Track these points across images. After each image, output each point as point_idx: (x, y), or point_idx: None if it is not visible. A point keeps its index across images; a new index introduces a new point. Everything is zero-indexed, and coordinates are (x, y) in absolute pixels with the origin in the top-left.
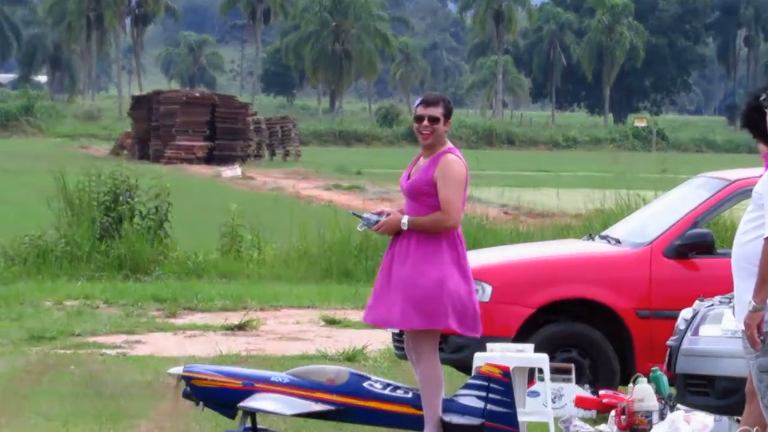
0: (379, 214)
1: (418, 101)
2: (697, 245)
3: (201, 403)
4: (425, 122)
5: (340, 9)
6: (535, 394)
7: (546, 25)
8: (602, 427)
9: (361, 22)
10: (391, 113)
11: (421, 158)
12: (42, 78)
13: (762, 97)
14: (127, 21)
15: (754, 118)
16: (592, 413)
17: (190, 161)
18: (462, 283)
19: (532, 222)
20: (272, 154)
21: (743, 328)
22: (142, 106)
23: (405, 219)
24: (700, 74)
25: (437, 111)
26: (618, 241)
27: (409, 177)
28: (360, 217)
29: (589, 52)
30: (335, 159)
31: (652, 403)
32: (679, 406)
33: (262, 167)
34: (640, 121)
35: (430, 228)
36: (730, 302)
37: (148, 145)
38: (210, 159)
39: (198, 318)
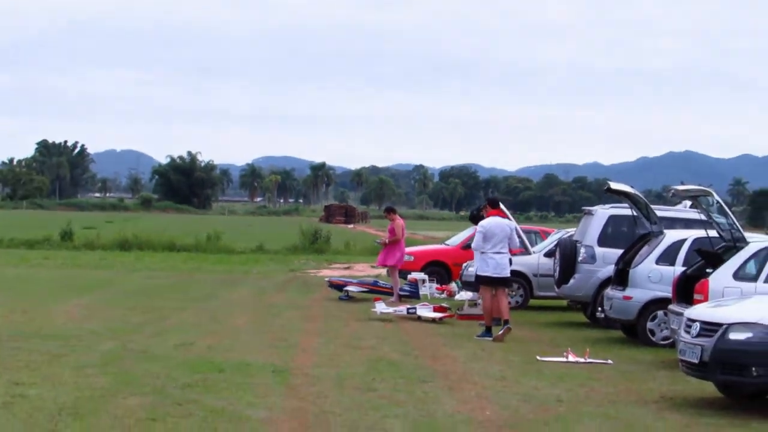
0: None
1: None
2: (468, 246)
3: (332, 287)
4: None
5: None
6: (422, 286)
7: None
8: (444, 295)
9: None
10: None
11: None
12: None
13: (478, 209)
14: (324, 187)
15: (474, 217)
16: (439, 293)
17: (339, 223)
18: (402, 254)
19: (424, 240)
20: (360, 221)
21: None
22: (327, 209)
23: (383, 239)
24: None
25: (387, 215)
26: (447, 244)
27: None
28: (376, 242)
29: None
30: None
31: (456, 289)
32: (463, 290)
33: (357, 224)
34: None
35: (392, 240)
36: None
37: (352, 220)
38: (346, 222)
39: (337, 266)
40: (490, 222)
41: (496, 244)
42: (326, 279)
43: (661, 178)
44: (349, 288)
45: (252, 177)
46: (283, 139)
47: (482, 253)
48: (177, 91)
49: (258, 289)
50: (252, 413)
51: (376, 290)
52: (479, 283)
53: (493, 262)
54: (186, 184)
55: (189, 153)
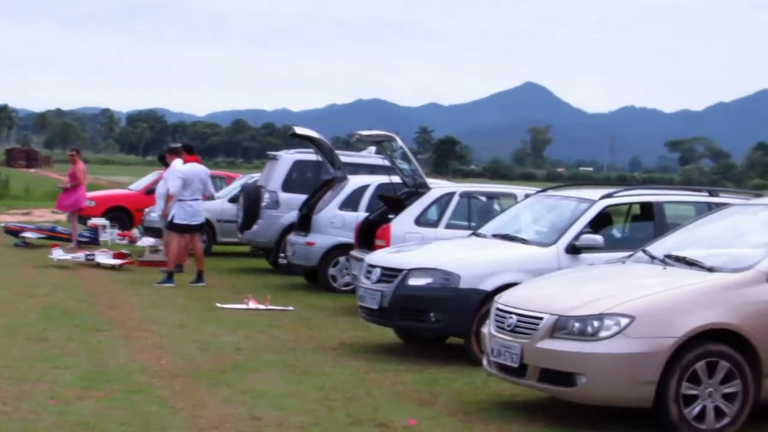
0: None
1: None
2: (151, 191)
3: (8, 233)
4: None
5: None
6: (103, 232)
7: None
8: (125, 241)
9: None
10: None
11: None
12: None
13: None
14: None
15: (163, 157)
16: (121, 239)
17: (21, 167)
18: (83, 199)
19: (108, 184)
20: (43, 166)
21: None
22: (8, 153)
23: (64, 183)
24: None
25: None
26: (130, 189)
27: None
28: (58, 186)
29: None
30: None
31: (137, 235)
32: (145, 236)
33: (40, 168)
34: None
35: (74, 185)
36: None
37: (34, 164)
38: (28, 167)
39: (16, 211)
40: (189, 168)
41: (194, 191)
42: (1, 224)
43: (350, 125)
44: (26, 234)
45: None
46: None
47: (180, 200)
48: None
49: None
50: None
51: (54, 236)
52: (175, 230)
53: (191, 209)
54: None
55: None
